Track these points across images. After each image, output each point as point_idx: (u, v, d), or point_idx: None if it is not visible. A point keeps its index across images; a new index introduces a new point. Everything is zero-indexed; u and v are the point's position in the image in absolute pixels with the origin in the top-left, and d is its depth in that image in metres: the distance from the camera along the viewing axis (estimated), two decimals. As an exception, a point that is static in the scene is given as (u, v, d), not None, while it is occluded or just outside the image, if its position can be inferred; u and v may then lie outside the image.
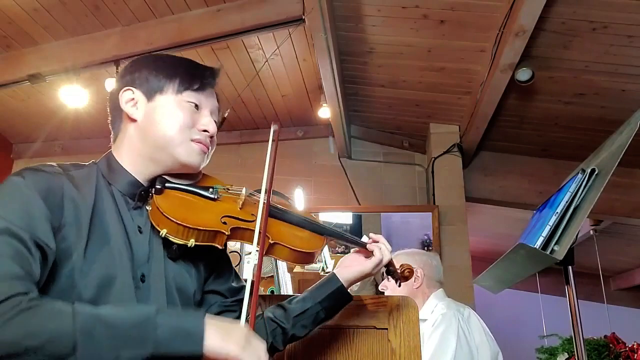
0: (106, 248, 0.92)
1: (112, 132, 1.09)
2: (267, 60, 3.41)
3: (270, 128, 1.08)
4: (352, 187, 4.21)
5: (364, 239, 1.24)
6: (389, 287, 2.22)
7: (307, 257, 1.09)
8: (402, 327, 1.32)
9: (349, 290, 1.17)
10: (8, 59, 3.36)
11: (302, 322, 1.11)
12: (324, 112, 3.76)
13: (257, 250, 0.95)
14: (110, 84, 3.16)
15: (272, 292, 2.25)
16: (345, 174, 4.26)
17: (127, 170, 1.02)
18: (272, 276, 2.27)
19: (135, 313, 0.77)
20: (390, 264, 1.23)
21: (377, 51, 3.32)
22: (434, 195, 3.89)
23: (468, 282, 3.50)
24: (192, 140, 1.03)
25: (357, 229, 4.08)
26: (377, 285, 3.59)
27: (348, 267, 1.18)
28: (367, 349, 1.30)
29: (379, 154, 4.34)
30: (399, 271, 1.28)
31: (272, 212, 1.10)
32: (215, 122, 1.08)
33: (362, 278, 1.17)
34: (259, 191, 1.05)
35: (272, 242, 1.03)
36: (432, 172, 3.93)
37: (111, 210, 0.96)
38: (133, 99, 1.04)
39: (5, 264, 0.77)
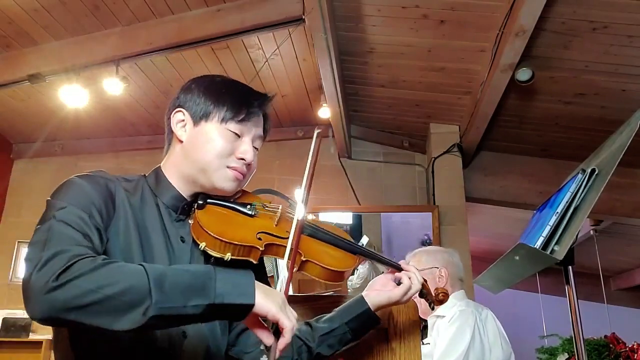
0: (151, 254, 0.99)
1: (165, 146, 1.16)
2: (267, 60, 3.41)
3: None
4: (352, 187, 4.21)
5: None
6: (422, 303, 2.20)
7: (338, 276, 1.12)
8: (402, 327, 1.32)
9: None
10: (8, 59, 3.37)
11: (328, 342, 1.14)
12: (324, 112, 3.75)
13: (287, 266, 1.00)
14: (110, 83, 3.16)
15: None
16: (345, 174, 4.26)
17: (172, 185, 1.09)
18: (272, 276, 2.27)
19: (197, 269, 0.85)
20: (423, 287, 1.24)
21: (377, 51, 3.32)
22: (434, 195, 3.89)
23: (468, 282, 3.50)
24: (228, 167, 1.08)
25: (357, 229, 4.08)
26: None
27: (376, 292, 1.20)
28: (367, 349, 1.30)
29: (379, 154, 4.35)
30: (433, 294, 1.28)
31: (307, 230, 1.14)
32: (257, 147, 1.14)
33: (390, 305, 1.19)
34: (267, 191, 1.08)
35: (304, 259, 1.07)
36: (432, 172, 3.93)
37: (155, 220, 1.04)
38: (183, 120, 1.10)
39: (77, 236, 0.87)
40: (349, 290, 3.40)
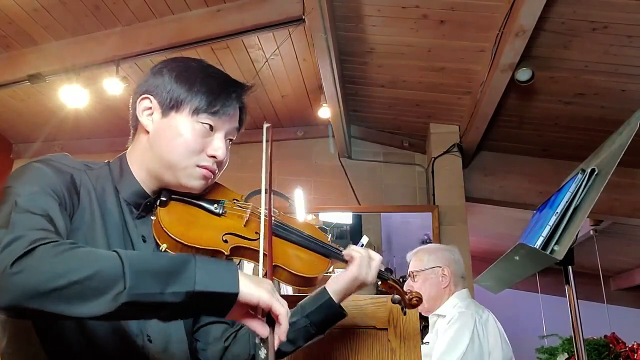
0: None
1: (131, 132, 1.06)
2: (267, 60, 3.41)
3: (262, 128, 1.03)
4: (352, 187, 4.21)
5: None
6: (414, 287, 2.18)
7: (309, 282, 1.05)
8: (402, 327, 1.32)
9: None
10: (8, 59, 3.36)
11: (288, 337, 1.04)
12: (324, 112, 3.75)
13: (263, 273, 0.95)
14: (110, 83, 3.16)
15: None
16: (345, 174, 4.26)
17: (135, 179, 1.00)
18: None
19: (176, 256, 0.80)
20: (397, 292, 1.17)
21: (377, 51, 3.32)
22: (434, 195, 3.89)
23: (468, 282, 3.50)
24: (198, 166, 0.99)
25: (357, 229, 4.08)
26: (377, 286, 3.59)
27: (336, 278, 1.11)
28: (367, 349, 1.30)
29: (379, 154, 4.34)
30: (407, 297, 1.17)
31: (276, 231, 1.05)
32: (231, 140, 1.05)
33: (354, 286, 1.10)
34: (259, 192, 1.03)
35: (273, 264, 0.99)
36: (432, 172, 3.93)
37: (115, 214, 0.96)
38: (150, 108, 1.00)
39: (39, 220, 0.80)
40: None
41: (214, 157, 1.00)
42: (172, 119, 0.98)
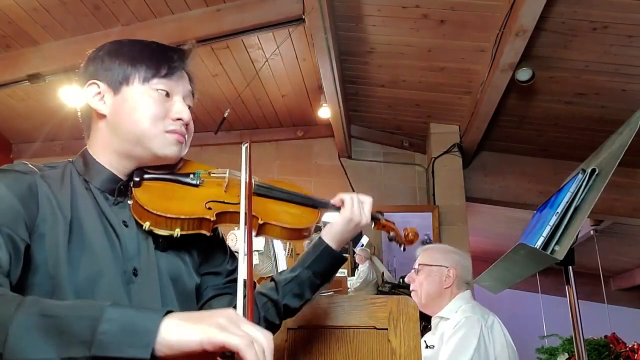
0: (87, 247, 0.89)
1: (84, 129, 1.05)
2: (267, 60, 3.41)
3: (242, 144, 1.03)
4: (352, 187, 4.20)
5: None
6: (416, 280, 2.18)
7: (300, 233, 1.06)
8: (402, 328, 1.32)
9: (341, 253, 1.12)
10: (8, 59, 3.36)
11: (293, 291, 1.06)
12: (324, 112, 3.75)
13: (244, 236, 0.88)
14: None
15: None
16: (345, 174, 4.26)
17: (103, 166, 0.98)
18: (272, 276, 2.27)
19: (84, 305, 0.67)
20: (392, 230, 1.20)
21: (377, 51, 3.32)
22: (434, 195, 3.89)
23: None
24: (167, 132, 0.98)
25: (357, 229, 4.07)
26: (378, 286, 3.59)
27: (330, 225, 1.12)
28: (367, 349, 1.30)
29: (379, 154, 4.34)
30: (402, 235, 1.22)
31: (259, 191, 1.06)
32: (189, 106, 1.03)
33: (350, 229, 1.11)
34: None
35: (261, 222, 1.00)
36: (432, 172, 3.92)
37: (89, 208, 0.93)
38: (99, 92, 0.99)
39: None
40: (349, 290, 3.40)
41: (179, 119, 0.99)
42: (125, 93, 0.97)
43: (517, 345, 2.05)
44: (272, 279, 1.09)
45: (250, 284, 0.75)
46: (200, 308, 1.05)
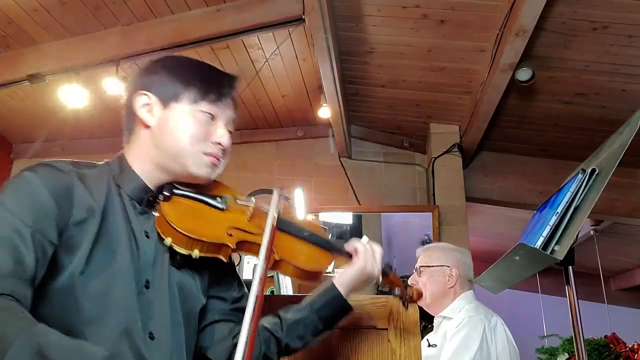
0: (111, 252, 0.91)
1: (124, 132, 1.07)
2: (267, 60, 3.41)
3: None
4: (352, 187, 4.21)
5: (364, 238, 1.22)
6: (419, 281, 2.16)
7: (313, 276, 1.06)
8: (402, 328, 1.32)
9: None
10: (8, 59, 3.36)
11: (297, 333, 1.06)
12: (324, 112, 3.75)
13: (262, 268, 0.90)
14: (110, 83, 3.16)
15: (272, 292, 2.25)
16: (346, 174, 4.26)
17: (137, 174, 1.01)
18: (272, 276, 2.27)
19: (80, 352, 0.73)
20: (398, 286, 1.19)
21: (377, 51, 3.32)
22: (434, 195, 3.89)
23: (468, 282, 3.50)
24: (205, 153, 1.01)
25: (357, 229, 4.07)
26: (378, 286, 3.58)
27: (342, 273, 1.12)
28: (367, 349, 1.30)
29: (379, 154, 4.34)
30: (407, 292, 1.21)
31: (281, 226, 1.05)
32: (230, 132, 1.06)
33: (362, 280, 1.11)
34: (262, 191, 1.03)
35: (277, 258, 1.00)
36: (432, 172, 3.92)
37: (119, 213, 0.95)
38: (148, 104, 1.02)
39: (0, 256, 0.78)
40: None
41: (219, 144, 1.02)
42: (174, 110, 1.01)
43: (517, 345, 2.05)
44: (278, 315, 1.10)
45: (254, 327, 0.75)
46: (203, 329, 1.07)
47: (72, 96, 3.26)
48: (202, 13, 3.07)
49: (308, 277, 1.05)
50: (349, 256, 1.13)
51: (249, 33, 3.04)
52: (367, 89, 3.77)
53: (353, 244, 1.13)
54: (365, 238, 1.21)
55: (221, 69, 1.11)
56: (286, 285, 2.35)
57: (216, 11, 3.04)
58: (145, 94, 1.02)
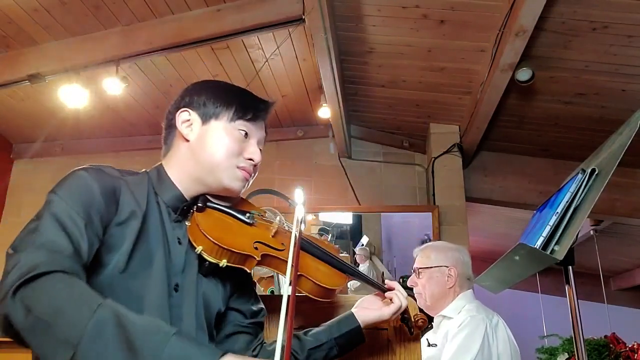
0: (149, 254, 0.97)
1: (163, 146, 1.16)
2: (267, 60, 3.41)
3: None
4: (352, 187, 4.21)
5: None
6: (418, 283, 2.16)
7: (328, 293, 1.12)
8: (402, 328, 1.32)
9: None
10: (8, 59, 3.36)
11: (315, 356, 1.14)
12: (324, 112, 3.75)
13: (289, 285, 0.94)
14: (110, 83, 3.16)
15: (272, 292, 2.25)
16: (345, 174, 4.26)
17: (174, 184, 1.09)
18: (272, 276, 2.27)
19: (154, 325, 0.77)
20: (405, 312, 1.25)
21: (377, 51, 3.32)
22: (434, 195, 3.89)
23: (468, 282, 3.50)
24: (238, 167, 1.09)
25: (357, 229, 4.08)
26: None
27: (366, 310, 1.21)
28: (367, 349, 1.30)
29: (379, 154, 4.34)
30: (413, 320, 1.28)
31: (302, 245, 1.13)
32: (260, 150, 1.14)
33: (378, 323, 1.20)
34: (259, 192, 1.06)
35: (298, 273, 1.06)
36: (432, 172, 3.93)
37: (157, 218, 1.03)
38: (189, 120, 1.11)
39: (61, 241, 0.84)
40: (349, 290, 3.40)
41: (251, 159, 1.11)
42: (212, 126, 1.10)
43: (517, 345, 2.05)
44: (297, 337, 1.16)
45: (288, 344, 0.74)
46: (221, 340, 1.12)
47: (72, 96, 3.25)
48: (202, 13, 3.07)
49: (323, 294, 1.11)
50: (383, 291, 1.23)
51: (249, 33, 3.04)
52: (367, 89, 3.77)
53: (393, 292, 1.21)
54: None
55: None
56: (285, 284, 2.35)
57: (216, 11, 3.04)
58: (187, 111, 1.12)
